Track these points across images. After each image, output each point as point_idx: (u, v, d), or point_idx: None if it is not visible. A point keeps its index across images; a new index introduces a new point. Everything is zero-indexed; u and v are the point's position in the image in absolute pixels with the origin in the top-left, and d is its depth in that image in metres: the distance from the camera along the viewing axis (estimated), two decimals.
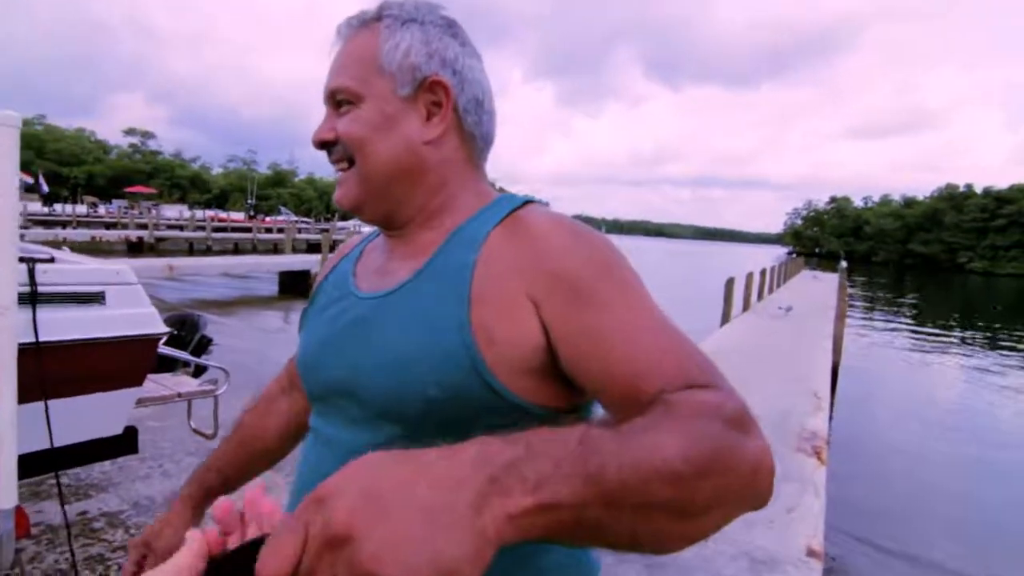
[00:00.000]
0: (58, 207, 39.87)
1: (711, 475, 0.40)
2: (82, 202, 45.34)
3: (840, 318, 9.29)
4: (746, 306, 12.32)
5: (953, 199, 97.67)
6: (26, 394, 2.01)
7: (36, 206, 38.37)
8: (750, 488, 0.44)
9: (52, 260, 2.49)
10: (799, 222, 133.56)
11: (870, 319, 18.64)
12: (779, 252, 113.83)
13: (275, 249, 25.53)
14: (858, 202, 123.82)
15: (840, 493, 4.37)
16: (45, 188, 42.28)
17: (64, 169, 62.56)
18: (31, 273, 2.20)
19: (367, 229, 0.82)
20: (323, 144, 0.68)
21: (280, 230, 31.05)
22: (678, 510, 0.39)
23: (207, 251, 24.37)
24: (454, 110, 0.67)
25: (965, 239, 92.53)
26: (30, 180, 40.59)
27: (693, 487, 0.39)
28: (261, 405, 0.91)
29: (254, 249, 25.87)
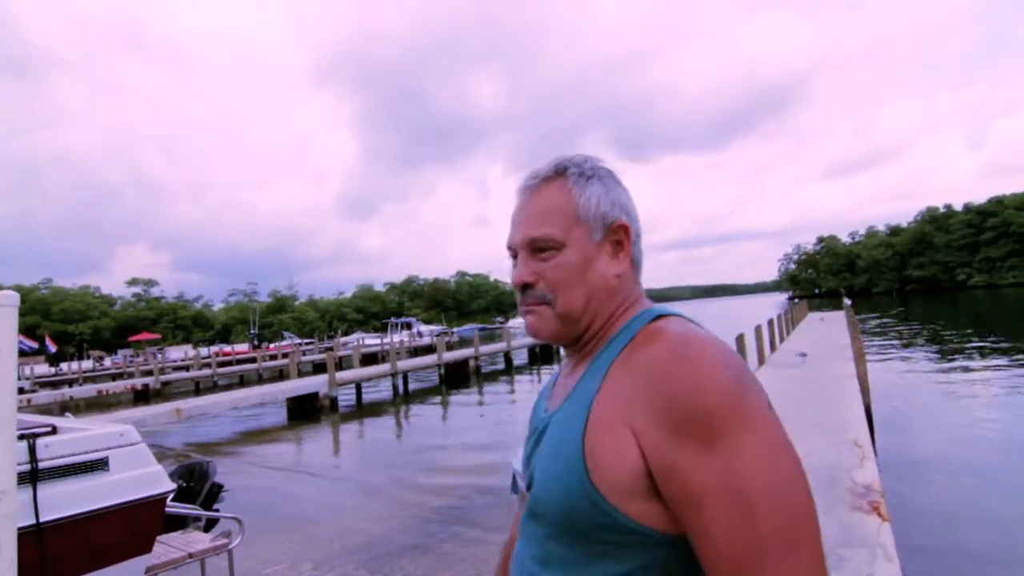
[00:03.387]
0: (64, 366, 40.08)
1: None
2: (88, 357, 45.64)
3: (859, 357, 9.07)
4: (761, 360, 12.08)
5: (937, 220, 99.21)
6: None
7: (43, 368, 38.60)
8: None
9: (54, 431, 2.43)
10: (792, 266, 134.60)
11: (886, 351, 18.24)
12: (780, 298, 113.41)
13: (281, 375, 25.41)
14: (845, 238, 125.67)
15: (909, 551, 4.02)
16: (52, 348, 42.82)
17: (70, 327, 63.60)
18: (31, 450, 2.13)
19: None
20: (524, 286, 0.77)
21: (285, 355, 31.07)
22: None
23: (214, 387, 24.21)
24: (632, 244, 0.78)
25: (959, 257, 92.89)
26: (34, 345, 41.19)
27: None
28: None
29: (260, 379, 25.65)
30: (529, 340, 26.47)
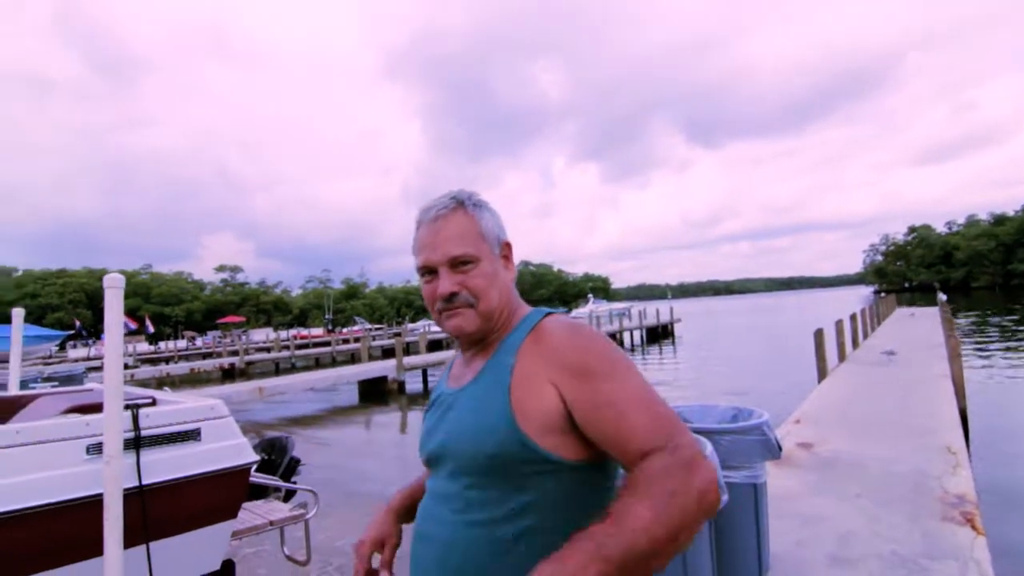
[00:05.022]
0: (162, 344, 43.84)
1: (679, 526, 0.66)
2: (182, 337, 49.65)
3: (954, 356, 8.34)
4: (842, 356, 11.37)
5: None
6: (129, 538, 2.07)
7: (143, 346, 42.40)
8: (705, 514, 0.70)
9: (154, 403, 2.66)
10: (880, 258, 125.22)
11: (987, 352, 16.64)
12: (863, 292, 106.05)
13: (353, 359, 26.56)
14: (941, 228, 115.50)
15: (1007, 570, 3.68)
16: (151, 329, 46.91)
17: (167, 309, 69.33)
18: (135, 419, 2.35)
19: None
20: (451, 295, 0.93)
21: (356, 340, 32.46)
22: (664, 552, 0.65)
23: (292, 368, 25.68)
24: None
25: None
26: (134, 325, 45.29)
27: (669, 538, 0.66)
28: None
29: (333, 362, 27.00)
30: None
